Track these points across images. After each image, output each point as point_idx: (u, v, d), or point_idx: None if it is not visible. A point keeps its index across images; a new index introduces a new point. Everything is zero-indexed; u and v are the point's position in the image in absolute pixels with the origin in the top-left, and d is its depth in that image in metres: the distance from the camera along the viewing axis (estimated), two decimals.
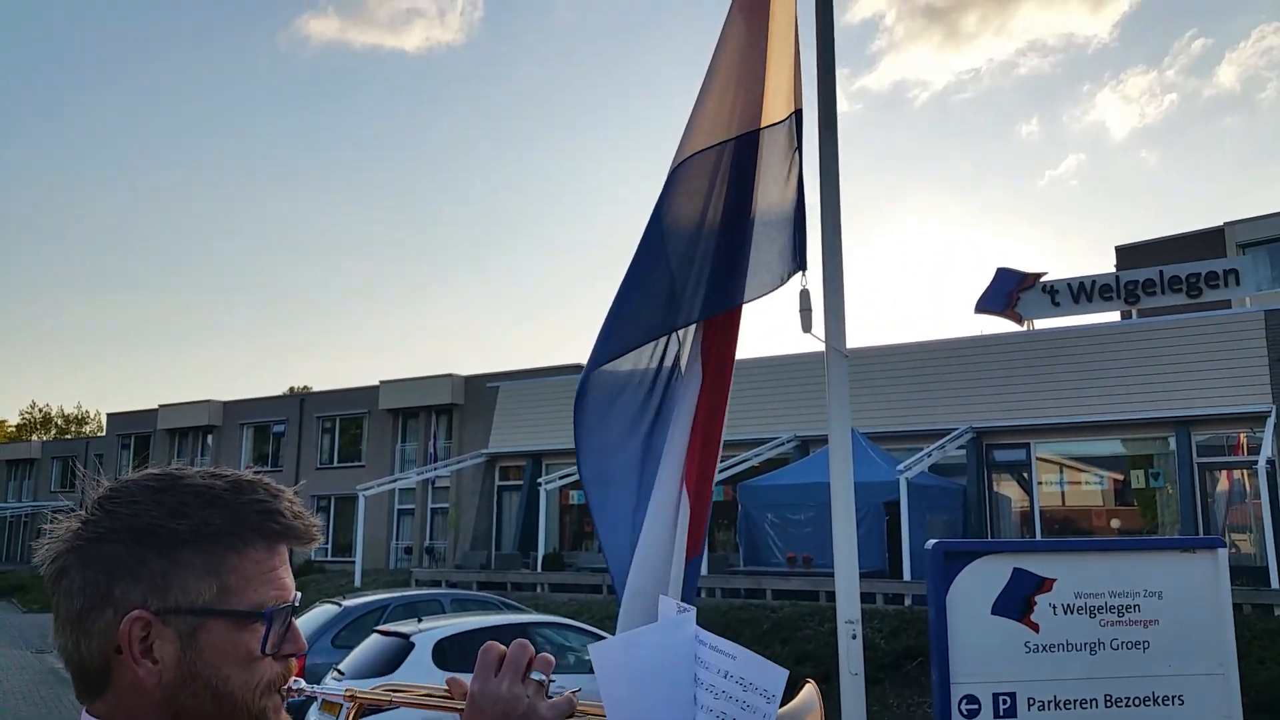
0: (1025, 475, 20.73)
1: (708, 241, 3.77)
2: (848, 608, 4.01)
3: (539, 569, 21.72)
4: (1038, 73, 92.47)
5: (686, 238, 3.73)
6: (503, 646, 1.03)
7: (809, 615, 14.23)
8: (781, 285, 3.93)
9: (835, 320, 4.10)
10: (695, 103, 3.90)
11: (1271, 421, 17.25)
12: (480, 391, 31.23)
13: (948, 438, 19.99)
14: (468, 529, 26.68)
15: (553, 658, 1.05)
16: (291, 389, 50.77)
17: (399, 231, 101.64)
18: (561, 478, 22.95)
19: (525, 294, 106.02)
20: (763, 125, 4.01)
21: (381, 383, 37.96)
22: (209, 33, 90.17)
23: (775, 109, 4.01)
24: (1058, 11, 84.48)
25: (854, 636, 3.95)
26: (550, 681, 1.03)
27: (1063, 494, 21.43)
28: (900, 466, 17.77)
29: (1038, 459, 20.68)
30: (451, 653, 8.91)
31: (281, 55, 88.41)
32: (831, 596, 15.74)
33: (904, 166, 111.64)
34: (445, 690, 1.06)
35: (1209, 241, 38.19)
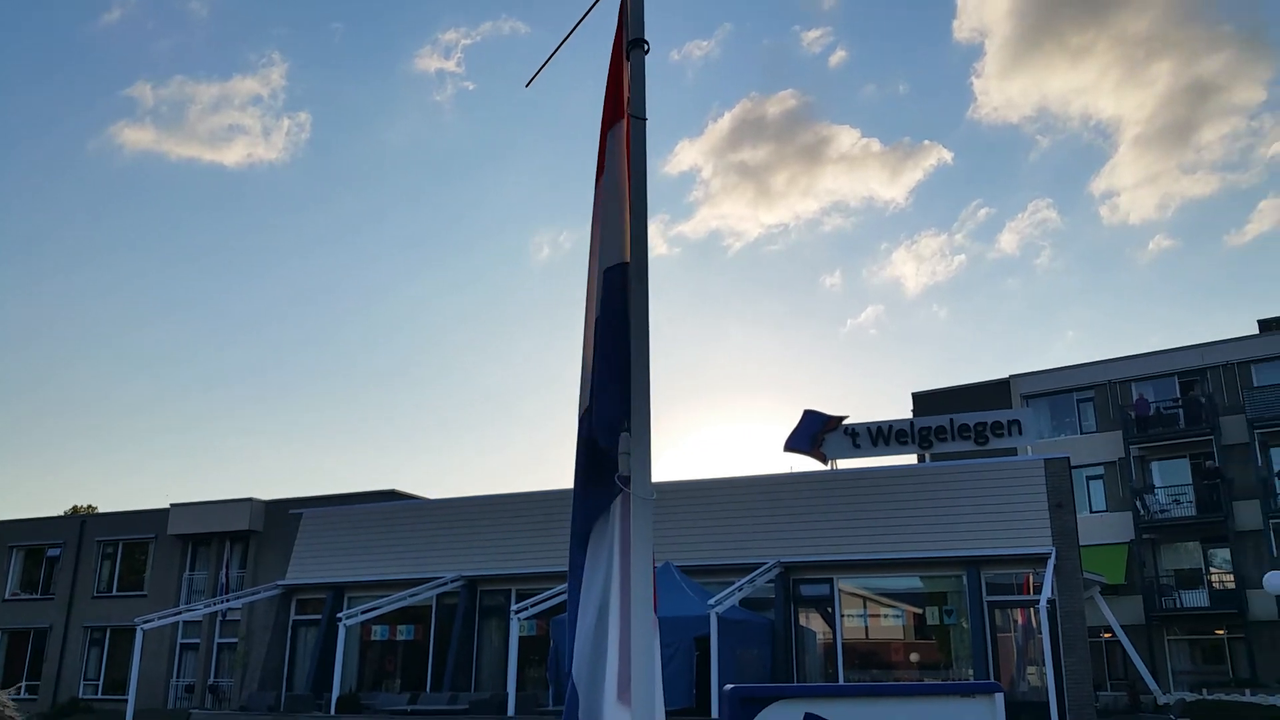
0: (829, 609, 21.25)
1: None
2: None
3: (333, 711, 20.34)
4: (840, 230, 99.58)
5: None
6: None
7: None
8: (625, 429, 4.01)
9: (641, 468, 4.13)
10: (609, 215, 4.06)
11: (1051, 563, 18.43)
12: (281, 518, 29.60)
13: (757, 571, 20.34)
14: (257, 666, 24.80)
15: None
16: (75, 508, 46.66)
17: (200, 347, 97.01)
18: (364, 611, 21.83)
19: (332, 418, 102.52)
20: (622, 260, 4.11)
21: (172, 506, 35.41)
22: (11, 131, 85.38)
23: (614, 259, 4.13)
24: (859, 177, 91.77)
25: None
26: None
27: (865, 628, 22.04)
28: (711, 601, 17.86)
29: (841, 592, 21.26)
30: None
31: (89, 160, 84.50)
32: None
33: (720, 309, 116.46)
34: None
35: (996, 391, 41.41)
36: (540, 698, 20.24)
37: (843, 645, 20.96)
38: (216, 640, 33.01)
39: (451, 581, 23.31)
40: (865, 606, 22.01)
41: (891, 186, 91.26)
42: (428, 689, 22.97)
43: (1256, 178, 78.87)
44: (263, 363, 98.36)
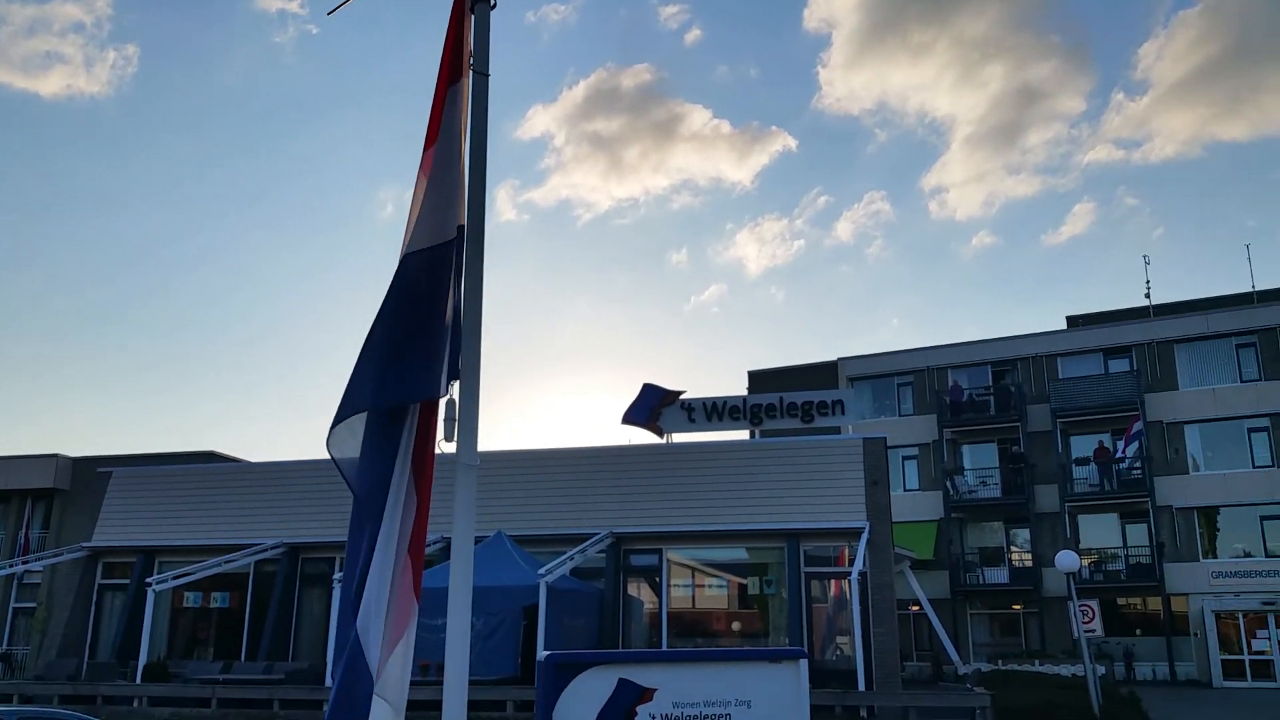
0: (657, 579, 21.71)
1: (416, 335, 3.84)
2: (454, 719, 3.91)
3: (139, 679, 19.38)
4: (689, 208, 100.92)
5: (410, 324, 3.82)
6: None
7: None
8: (445, 394, 3.99)
9: (468, 435, 4.11)
10: (428, 190, 3.96)
11: (865, 538, 19.39)
12: (89, 477, 27.84)
13: (589, 541, 20.54)
14: (57, 633, 23.31)
15: None
16: None
17: (2, 292, 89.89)
18: (176, 577, 20.84)
19: (150, 375, 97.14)
20: (431, 244, 4.06)
21: None
22: None
23: (450, 222, 4.07)
24: (708, 157, 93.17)
25: None
26: None
27: (692, 597, 22.63)
28: (542, 570, 17.94)
29: (670, 563, 21.75)
30: None
31: None
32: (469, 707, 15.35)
33: (568, 279, 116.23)
34: None
35: (825, 373, 43.10)
36: None
37: (668, 614, 21.47)
38: (12, 605, 30.87)
39: (272, 548, 22.53)
40: (693, 577, 22.60)
41: (739, 169, 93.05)
42: (242, 658, 22.18)
43: (1073, 183, 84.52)
44: (78, 313, 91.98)
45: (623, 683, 4.60)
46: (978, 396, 39.81)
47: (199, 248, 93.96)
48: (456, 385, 4.05)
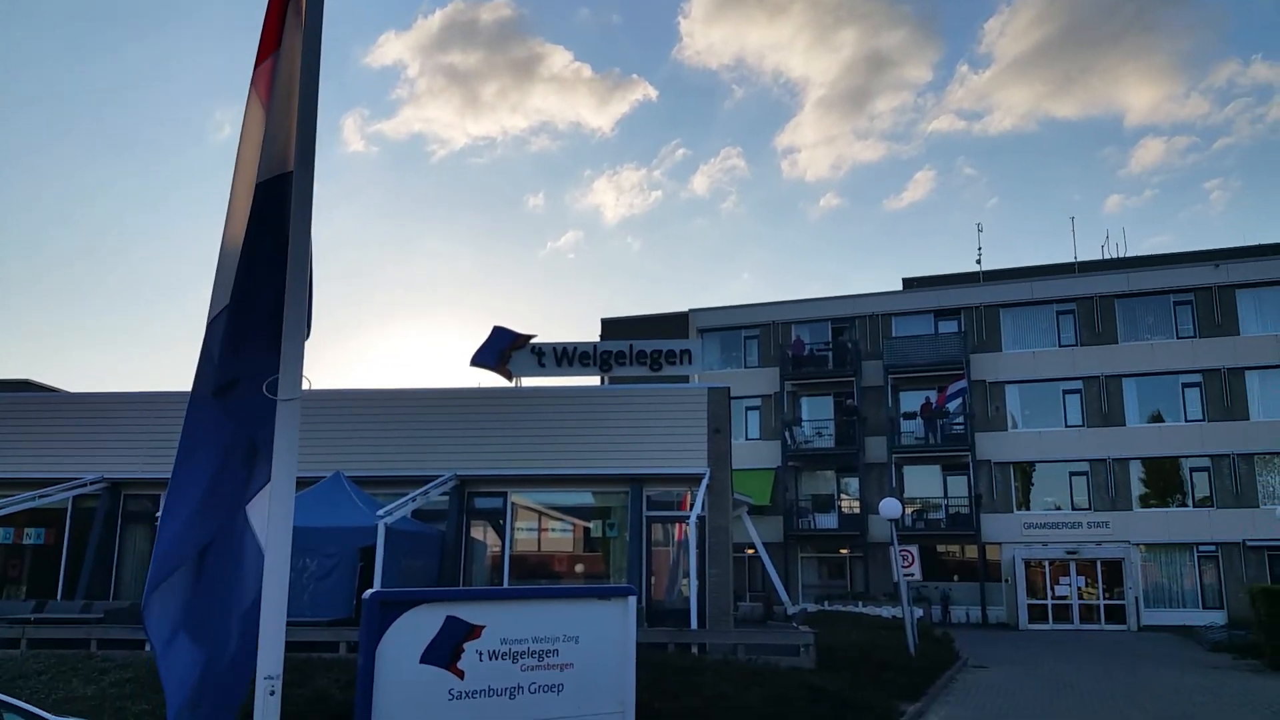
0: (501, 522, 21.74)
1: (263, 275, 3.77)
2: (269, 663, 3.83)
3: None
4: (547, 152, 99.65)
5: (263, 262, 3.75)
6: None
7: None
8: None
9: (291, 370, 3.97)
10: (280, 108, 3.78)
11: (705, 483, 19.92)
12: None
13: (432, 484, 20.35)
14: None
15: None
16: None
17: None
18: None
19: None
20: (291, 169, 3.91)
21: None
22: None
23: (289, 155, 3.89)
24: (568, 100, 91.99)
25: (271, 693, 3.78)
26: None
27: (537, 540, 22.78)
28: (381, 511, 17.67)
29: (515, 506, 21.80)
30: None
31: None
32: (293, 647, 15.05)
33: (419, 216, 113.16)
34: None
35: (677, 323, 43.77)
36: None
37: (511, 557, 21.55)
38: None
39: (91, 483, 21.37)
40: (538, 520, 22.73)
41: (599, 115, 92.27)
42: (59, 597, 21.07)
43: (916, 150, 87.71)
44: None
45: (450, 620, 4.62)
46: (818, 351, 41.31)
47: (22, 165, 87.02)
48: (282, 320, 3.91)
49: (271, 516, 4.05)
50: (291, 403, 3.95)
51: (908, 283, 46.02)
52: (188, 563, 3.78)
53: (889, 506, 22.10)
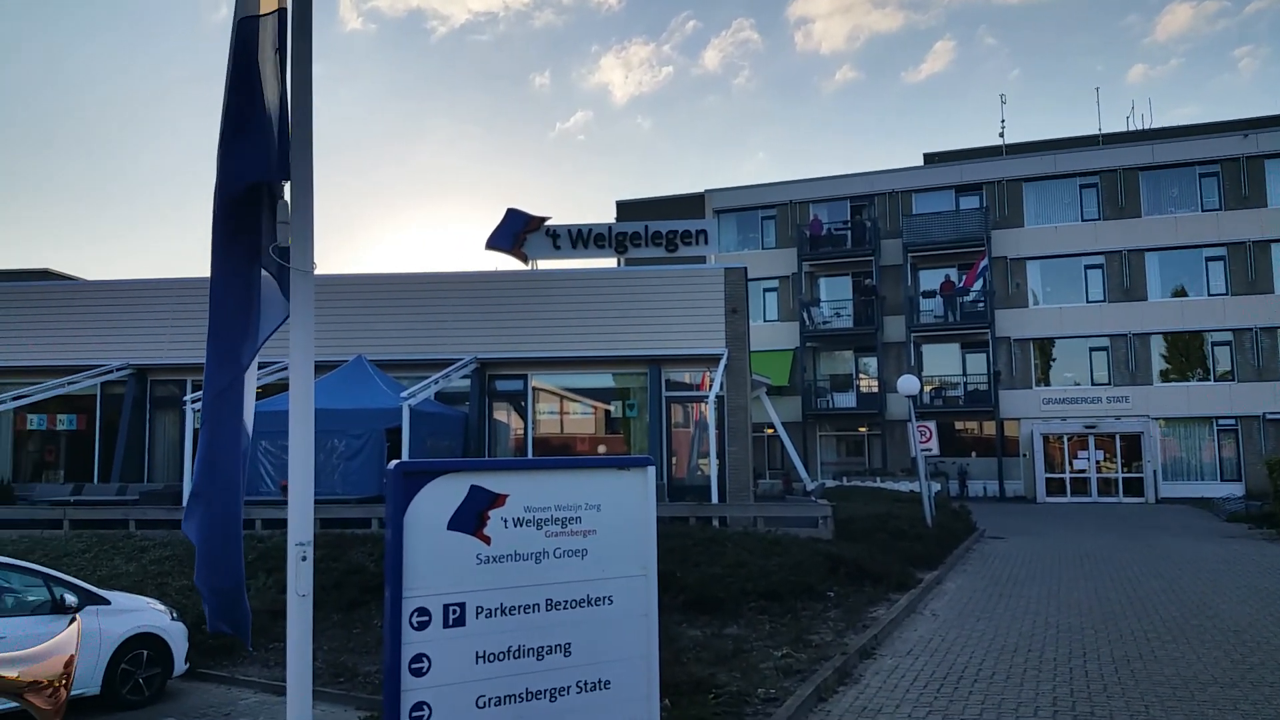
0: (523, 404, 22.01)
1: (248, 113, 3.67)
2: (299, 530, 3.94)
3: None
4: (552, 27, 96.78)
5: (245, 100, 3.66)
6: None
7: None
8: (265, 180, 3.81)
9: (302, 238, 3.94)
10: None
11: (723, 363, 20.02)
12: None
13: (453, 367, 20.54)
14: None
15: None
16: None
17: None
18: (16, 398, 19.92)
19: None
20: (261, 12, 3.79)
21: None
22: None
23: None
24: None
25: (303, 559, 3.89)
26: None
27: (559, 421, 23.10)
28: (404, 393, 17.91)
29: (535, 389, 22.03)
30: None
31: None
32: (326, 524, 15.49)
33: (422, 98, 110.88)
34: None
35: (693, 205, 43.32)
36: None
37: (534, 438, 21.90)
38: None
39: (118, 370, 21.69)
40: (559, 402, 23.00)
41: None
42: (94, 480, 21.65)
43: (936, 19, 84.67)
44: None
45: (474, 489, 4.69)
46: (836, 230, 40.85)
47: (22, 54, 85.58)
48: (284, 185, 3.85)
49: (293, 394, 4.10)
50: (306, 274, 3.94)
51: (929, 158, 45.12)
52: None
53: (907, 383, 22.19)
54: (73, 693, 7.89)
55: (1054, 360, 38.06)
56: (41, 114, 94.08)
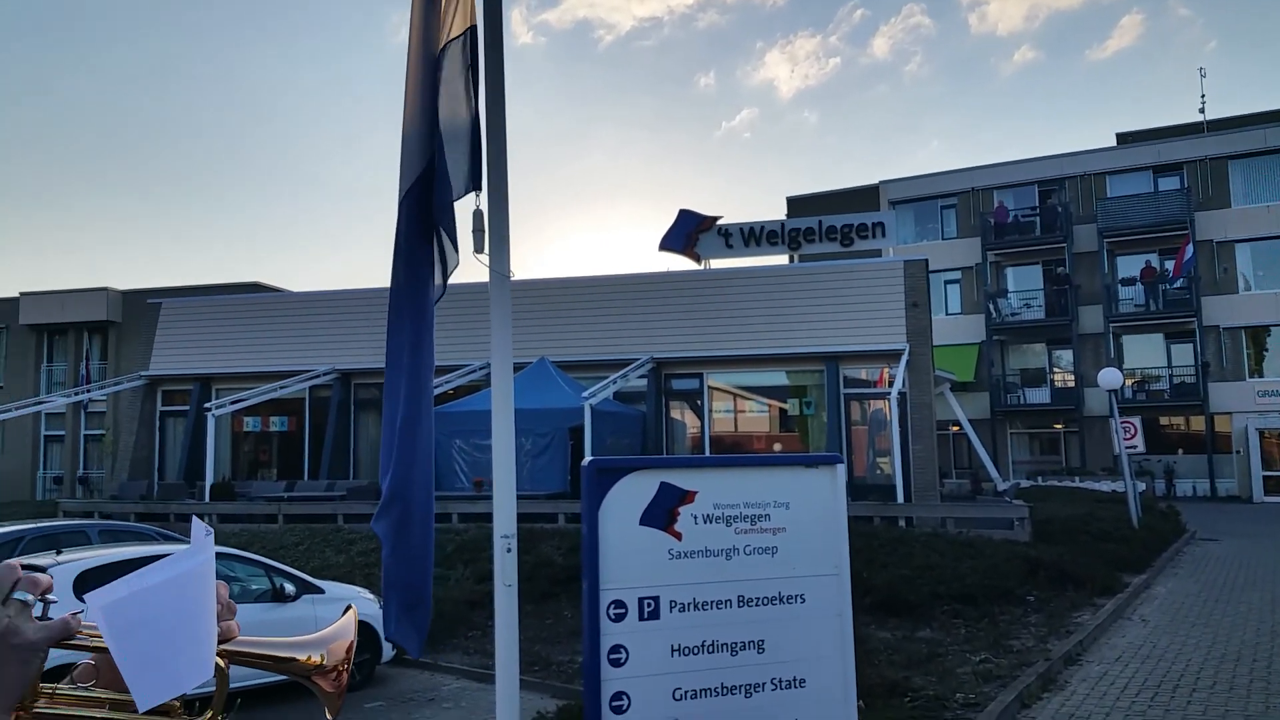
0: (699, 403, 22.12)
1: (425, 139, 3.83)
2: (504, 523, 4.11)
3: (207, 499, 20.42)
4: (715, 27, 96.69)
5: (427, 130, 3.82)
6: None
7: (492, 537, 14.43)
8: (459, 198, 3.98)
9: (499, 244, 4.11)
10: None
11: (905, 359, 19.48)
12: (139, 308, 28.54)
13: (630, 367, 20.86)
14: (126, 457, 24.47)
15: (48, 578, 0.98)
16: None
17: (41, 126, 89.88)
18: (234, 402, 21.61)
19: (184, 208, 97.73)
20: (453, 36, 3.98)
21: (22, 294, 33.67)
22: None
23: (455, 23, 3.97)
24: None
25: (508, 550, 4.06)
26: (48, 602, 0.97)
27: (733, 420, 23.10)
28: (585, 394, 18.33)
29: (710, 388, 22.10)
30: (96, 587, 8.17)
31: None
32: (520, 519, 16.03)
33: (591, 104, 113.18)
34: None
35: (866, 197, 42.27)
36: None
37: (711, 437, 21.97)
38: (82, 432, 32.31)
39: (324, 374, 23.18)
40: (734, 401, 22.99)
41: None
42: (305, 477, 23.22)
43: None
44: (104, 147, 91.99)
45: (664, 485, 4.74)
46: (1023, 218, 38.96)
47: (213, 76, 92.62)
48: (484, 196, 4.02)
49: (495, 391, 4.28)
50: (504, 278, 4.11)
51: (1122, 138, 42.38)
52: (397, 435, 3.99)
53: (1108, 377, 20.94)
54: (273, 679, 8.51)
55: (1268, 350, 35.01)
56: (249, 140, 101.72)
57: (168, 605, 0.97)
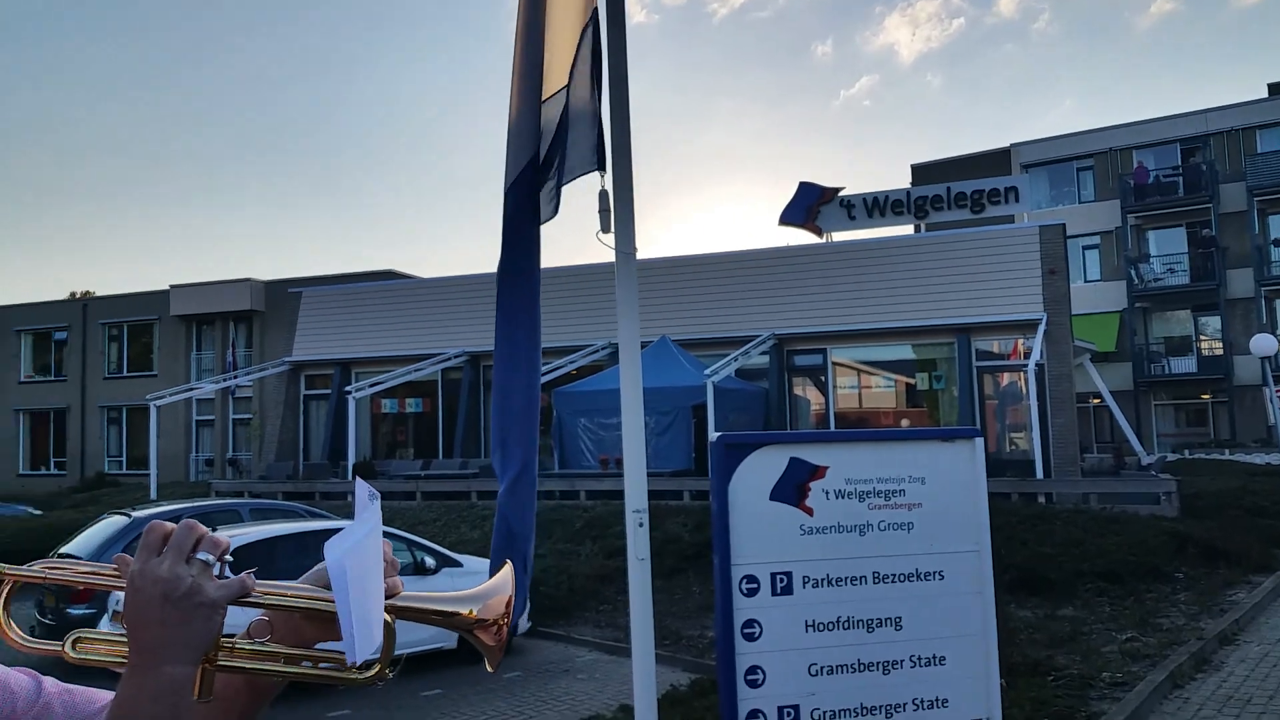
0: (822, 379, 21.83)
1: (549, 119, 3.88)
2: (635, 498, 4.15)
3: (349, 478, 21.31)
4: None
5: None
6: (171, 525, 1.01)
7: (620, 513, 14.59)
8: (585, 174, 4.02)
9: (624, 223, 4.15)
10: None
11: (1042, 329, 18.74)
12: (281, 298, 29.89)
13: (752, 343, 20.73)
14: (273, 440, 25.75)
15: (226, 539, 1.04)
16: (72, 294, 47.00)
17: (184, 126, 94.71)
18: (372, 385, 22.45)
19: (329, 197, 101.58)
20: (584, 24, 4.03)
21: (172, 287, 35.73)
22: None
23: (579, 7, 4.00)
24: None
25: (640, 525, 4.10)
26: (225, 563, 1.02)
27: (859, 395, 22.72)
28: (707, 371, 18.31)
29: (834, 363, 21.78)
30: (249, 562, 8.63)
31: None
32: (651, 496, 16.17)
33: (707, 80, 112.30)
34: (114, 569, 1.03)
35: (996, 161, 40.72)
36: (545, 463, 21.12)
37: (835, 413, 21.67)
38: (231, 416, 34.13)
39: (455, 357, 23.84)
40: (858, 376, 22.60)
41: None
42: (439, 456, 23.98)
43: None
44: (241, 145, 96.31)
45: (794, 461, 4.71)
46: (1164, 178, 36.92)
47: (342, 72, 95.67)
48: (608, 177, 4.04)
49: (623, 368, 4.33)
50: (629, 255, 4.14)
51: (1274, 89, 39.62)
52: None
53: (1261, 343, 19.76)
54: (430, 646, 8.81)
55: None
56: (381, 133, 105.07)
57: (365, 563, 1.02)
